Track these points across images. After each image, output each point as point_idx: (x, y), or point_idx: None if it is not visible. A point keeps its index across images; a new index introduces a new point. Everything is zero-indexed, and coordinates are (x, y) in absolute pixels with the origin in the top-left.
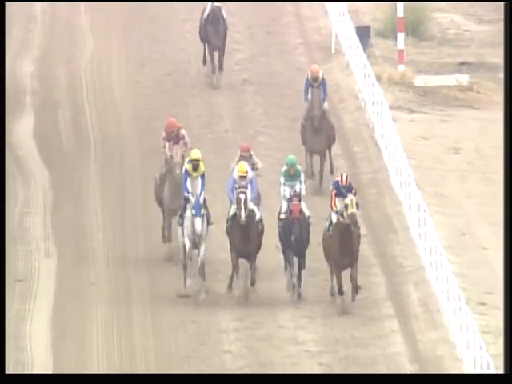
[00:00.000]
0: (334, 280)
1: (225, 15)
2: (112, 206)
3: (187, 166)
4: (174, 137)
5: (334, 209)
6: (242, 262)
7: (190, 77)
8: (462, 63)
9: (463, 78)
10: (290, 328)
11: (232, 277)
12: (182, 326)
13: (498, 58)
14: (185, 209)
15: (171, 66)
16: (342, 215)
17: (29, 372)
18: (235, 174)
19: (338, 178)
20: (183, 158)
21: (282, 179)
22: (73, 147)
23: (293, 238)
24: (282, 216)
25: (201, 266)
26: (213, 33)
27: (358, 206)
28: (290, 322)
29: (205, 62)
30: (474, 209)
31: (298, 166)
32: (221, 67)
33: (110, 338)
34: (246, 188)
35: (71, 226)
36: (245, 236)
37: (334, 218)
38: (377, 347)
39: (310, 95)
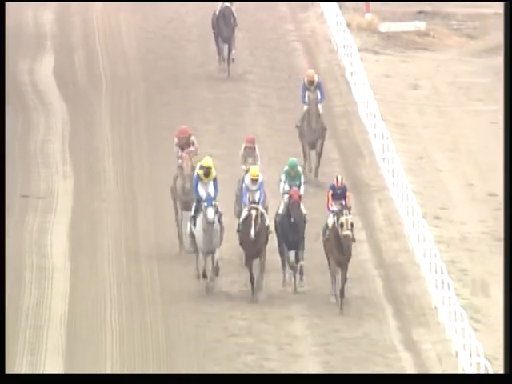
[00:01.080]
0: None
1: (234, 13)
2: (120, 134)
3: (199, 171)
4: (185, 142)
5: (331, 208)
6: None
7: (188, 24)
8: (420, 12)
9: (421, 25)
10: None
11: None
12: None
13: (451, 7)
14: (198, 210)
15: (172, 15)
16: (337, 220)
17: (49, 273)
18: (247, 179)
19: (334, 181)
20: (191, 161)
21: (283, 177)
22: (87, 84)
23: (292, 219)
24: (280, 211)
25: (214, 268)
26: (224, 28)
27: (352, 225)
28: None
29: (218, 52)
30: (430, 137)
31: (299, 168)
32: (230, 59)
33: (119, 246)
34: (259, 198)
35: (85, 151)
36: (256, 243)
37: (330, 222)
38: None
39: (306, 98)
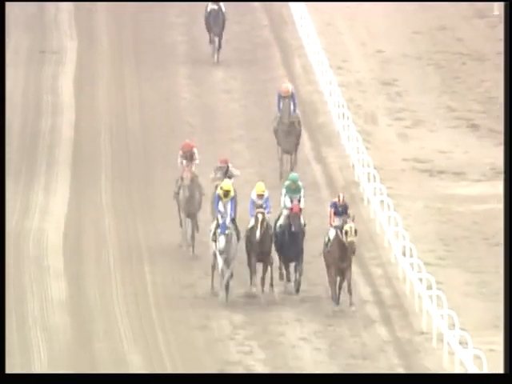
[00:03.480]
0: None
1: (224, 9)
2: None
3: (219, 191)
4: (189, 156)
5: (333, 224)
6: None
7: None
8: None
9: None
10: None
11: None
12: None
13: None
14: (218, 229)
15: None
16: (340, 231)
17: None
18: (254, 194)
19: (336, 199)
20: (193, 173)
21: (284, 191)
22: None
23: (293, 228)
24: (281, 222)
25: (227, 278)
26: (214, 24)
27: (356, 232)
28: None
29: (210, 42)
30: (335, 8)
31: (300, 183)
32: (219, 48)
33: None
34: (264, 208)
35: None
36: (261, 245)
37: (333, 234)
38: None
39: (281, 106)
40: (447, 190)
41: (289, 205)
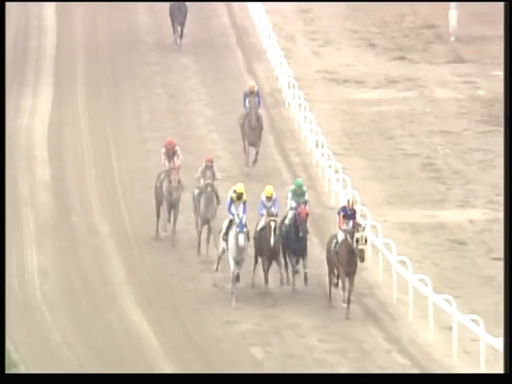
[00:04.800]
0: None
1: (186, 3)
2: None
3: (233, 195)
4: (171, 153)
5: (342, 227)
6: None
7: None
8: None
9: None
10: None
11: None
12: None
13: None
14: (230, 228)
15: None
16: (350, 235)
17: None
18: (263, 196)
19: (345, 204)
20: (178, 174)
21: (290, 195)
22: None
23: (301, 234)
24: (287, 222)
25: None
26: (178, 13)
27: (366, 240)
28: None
29: (174, 31)
30: None
31: (304, 188)
32: (182, 36)
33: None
34: (275, 210)
35: None
36: (268, 245)
37: (341, 236)
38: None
39: (247, 103)
40: (351, 96)
41: (294, 206)
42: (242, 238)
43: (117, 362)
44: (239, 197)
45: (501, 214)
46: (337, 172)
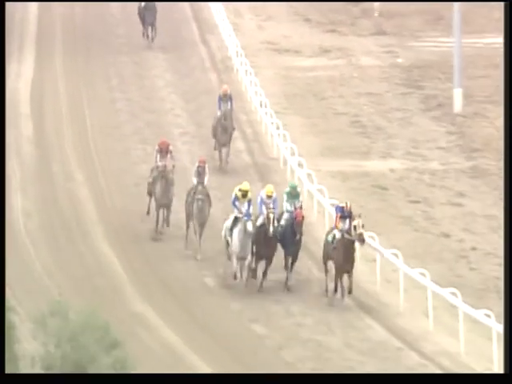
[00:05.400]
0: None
1: (156, 4)
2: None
3: (238, 193)
4: (164, 151)
5: (339, 227)
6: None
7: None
8: None
9: None
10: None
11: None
12: None
13: None
14: (234, 225)
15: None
16: (347, 232)
17: None
18: (263, 194)
19: (343, 205)
20: (173, 166)
21: (285, 197)
22: None
23: (297, 236)
24: (283, 223)
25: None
26: (148, 15)
27: (363, 226)
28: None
29: (143, 34)
30: None
31: (298, 189)
32: (154, 35)
33: None
34: (274, 208)
35: None
36: (267, 242)
37: (338, 235)
38: None
39: (221, 106)
40: (289, 63)
41: (289, 208)
42: (250, 224)
43: (90, 288)
44: (244, 195)
45: (417, 164)
46: (278, 128)
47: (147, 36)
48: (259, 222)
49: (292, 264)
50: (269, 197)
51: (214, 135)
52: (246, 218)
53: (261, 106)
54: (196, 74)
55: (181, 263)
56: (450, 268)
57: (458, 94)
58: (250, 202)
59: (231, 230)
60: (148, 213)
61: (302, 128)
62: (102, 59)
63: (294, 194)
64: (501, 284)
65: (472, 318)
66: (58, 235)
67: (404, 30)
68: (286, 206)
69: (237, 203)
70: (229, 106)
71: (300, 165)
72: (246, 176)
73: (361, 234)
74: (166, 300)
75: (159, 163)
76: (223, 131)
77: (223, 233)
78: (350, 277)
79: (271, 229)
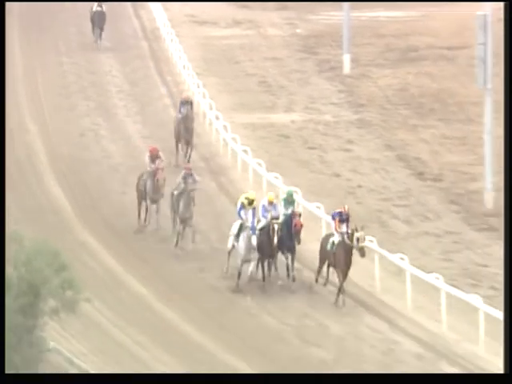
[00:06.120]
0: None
1: (104, 9)
2: None
3: (244, 201)
4: (154, 157)
5: (339, 230)
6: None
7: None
8: None
9: None
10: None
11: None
12: None
13: None
14: (240, 231)
15: None
16: (347, 236)
17: None
18: (265, 201)
19: (342, 210)
20: (162, 169)
21: (282, 203)
22: None
23: (297, 243)
24: (280, 221)
25: (251, 274)
26: (98, 19)
27: (364, 239)
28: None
29: (94, 34)
30: None
31: (294, 196)
32: (101, 38)
33: None
34: (275, 213)
35: None
36: (270, 243)
37: (337, 239)
38: None
39: (183, 109)
40: (208, 33)
41: (286, 212)
42: (254, 239)
43: (42, 223)
44: (250, 203)
45: (313, 116)
46: (199, 87)
47: (97, 36)
48: (261, 225)
49: (292, 261)
50: (270, 203)
51: (177, 136)
52: (251, 231)
53: (184, 68)
54: (130, 41)
55: (118, 200)
56: (341, 202)
57: (346, 59)
58: (254, 209)
59: (237, 235)
60: (139, 216)
61: (218, 87)
62: (51, 31)
63: (290, 201)
64: (383, 217)
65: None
66: (15, 179)
67: (303, 5)
68: (284, 210)
69: (242, 212)
70: (190, 109)
71: (217, 118)
72: (170, 127)
73: (362, 248)
74: (109, 233)
75: (151, 167)
76: (186, 130)
77: (229, 238)
78: (344, 277)
79: (276, 240)
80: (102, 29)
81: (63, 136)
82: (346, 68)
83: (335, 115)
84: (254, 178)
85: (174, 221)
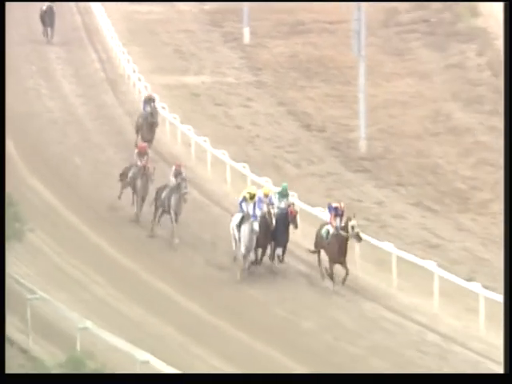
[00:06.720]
0: (323, 269)
1: (55, 9)
2: None
3: (246, 195)
4: (143, 154)
5: (333, 224)
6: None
7: None
8: None
9: None
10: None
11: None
12: None
13: None
14: (242, 222)
15: None
16: (342, 229)
17: None
18: (261, 194)
19: (338, 205)
20: (154, 169)
21: (277, 196)
22: None
23: (295, 227)
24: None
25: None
26: (48, 18)
27: (357, 226)
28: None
29: (44, 35)
30: None
31: (288, 191)
32: (52, 37)
33: None
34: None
35: None
36: (266, 233)
37: (332, 231)
38: None
39: (147, 107)
40: (133, 8)
41: (281, 205)
42: (256, 224)
43: None
44: (252, 197)
45: (219, 78)
46: (123, 53)
47: (46, 35)
48: (260, 214)
49: (283, 254)
50: (266, 195)
51: (138, 131)
52: (253, 218)
53: (111, 38)
54: (67, 17)
55: (57, 148)
56: (242, 150)
57: (246, 31)
58: (255, 203)
59: (239, 226)
60: (119, 197)
61: (139, 54)
62: (10, 13)
63: (284, 194)
64: (277, 161)
65: None
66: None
67: None
68: (278, 204)
69: (243, 204)
70: (154, 106)
71: (139, 79)
72: (100, 87)
73: (358, 233)
74: (54, 176)
75: (138, 163)
76: (149, 128)
77: (231, 230)
78: (345, 267)
79: (274, 222)
80: (52, 26)
81: (10, 94)
82: (246, 39)
83: (237, 77)
84: (170, 129)
85: (156, 213)
